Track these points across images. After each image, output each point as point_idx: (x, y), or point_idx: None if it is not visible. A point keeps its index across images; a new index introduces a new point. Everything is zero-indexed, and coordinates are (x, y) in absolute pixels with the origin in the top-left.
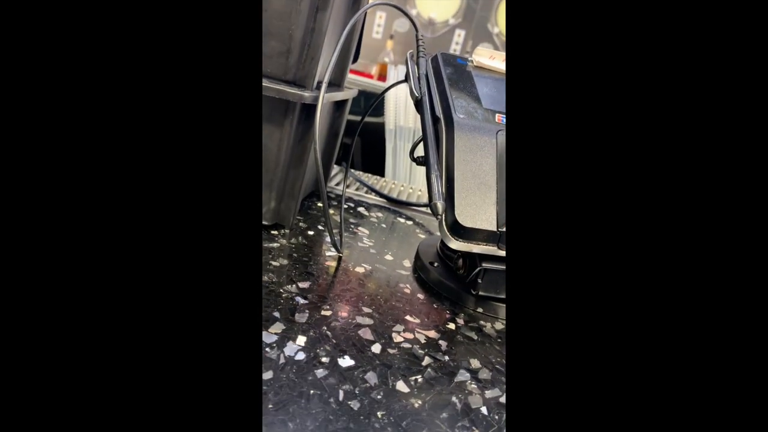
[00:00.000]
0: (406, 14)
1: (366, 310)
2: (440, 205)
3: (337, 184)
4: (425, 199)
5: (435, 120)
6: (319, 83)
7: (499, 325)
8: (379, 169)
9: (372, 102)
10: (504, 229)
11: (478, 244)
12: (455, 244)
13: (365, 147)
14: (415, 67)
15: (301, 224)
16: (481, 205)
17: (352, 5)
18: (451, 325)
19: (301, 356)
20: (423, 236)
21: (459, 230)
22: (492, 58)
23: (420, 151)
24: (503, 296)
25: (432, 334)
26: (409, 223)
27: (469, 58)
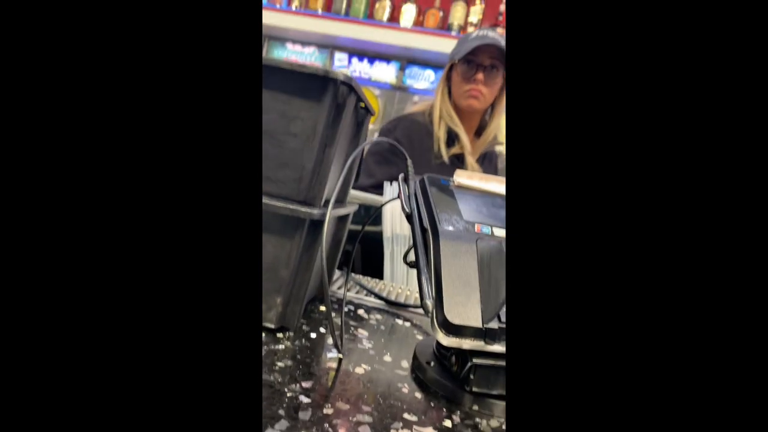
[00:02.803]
0: (398, 147)
1: (365, 408)
2: (430, 303)
3: (339, 288)
4: None
5: (423, 230)
6: (326, 201)
7: (495, 423)
8: (377, 273)
9: (372, 214)
10: (489, 326)
11: (467, 340)
12: (446, 340)
13: (365, 253)
14: (406, 187)
15: (304, 327)
16: (467, 304)
17: (353, 139)
18: (448, 423)
19: None
20: (420, 337)
21: (448, 327)
22: (470, 178)
23: (412, 257)
24: (496, 392)
25: (429, 431)
26: (407, 324)
27: (451, 179)
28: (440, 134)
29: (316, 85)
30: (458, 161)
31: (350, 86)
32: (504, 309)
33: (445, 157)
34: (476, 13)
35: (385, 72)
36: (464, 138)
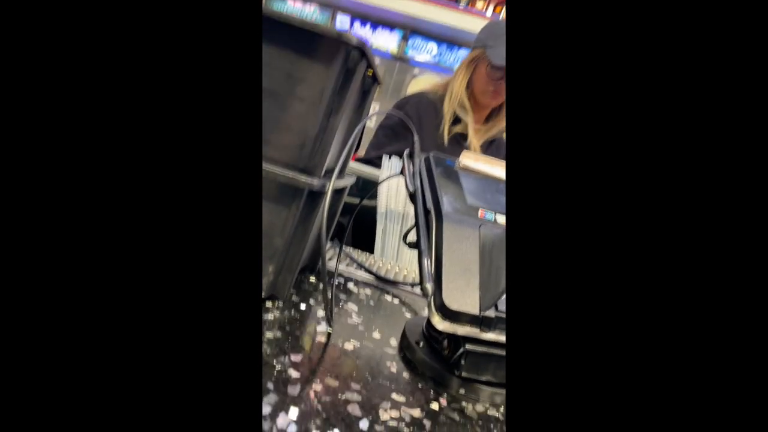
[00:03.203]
0: (405, 120)
1: (354, 386)
2: (429, 287)
3: (329, 260)
4: (411, 279)
5: (426, 211)
6: (326, 171)
7: (480, 407)
8: (367, 246)
9: (371, 189)
10: (486, 314)
11: (463, 326)
12: (442, 325)
13: (357, 226)
14: (411, 164)
15: (294, 298)
16: (465, 290)
17: (358, 107)
18: (435, 405)
19: (293, 429)
20: (409, 315)
21: (445, 312)
22: (476, 161)
23: (412, 237)
24: (485, 378)
25: (417, 413)
26: (396, 301)
27: (457, 160)
28: (448, 117)
29: (327, 47)
30: (462, 140)
31: (362, 52)
32: (503, 298)
33: (446, 136)
34: None
35: (387, 40)
36: (471, 125)
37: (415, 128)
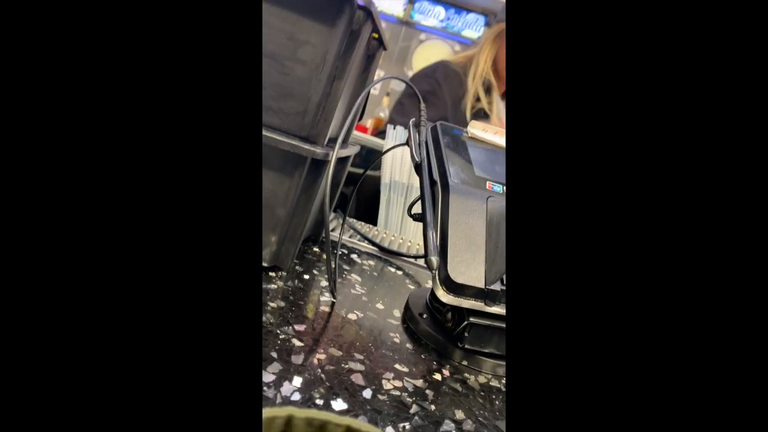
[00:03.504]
0: (411, 86)
1: (358, 356)
2: (435, 260)
3: (332, 230)
4: (415, 251)
5: (432, 183)
6: (330, 140)
7: (482, 378)
8: (371, 218)
9: (374, 160)
10: (491, 287)
11: (467, 299)
12: (446, 298)
13: (360, 197)
14: (417, 134)
15: (297, 268)
16: (471, 263)
17: (362, 72)
18: (437, 376)
19: (296, 397)
20: (412, 287)
21: (450, 285)
22: (485, 131)
23: (417, 209)
24: (487, 350)
25: (419, 383)
26: (399, 273)
27: (465, 130)
28: (472, 91)
29: (330, 5)
30: (485, 116)
31: (368, 11)
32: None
33: (468, 112)
34: None
35: (392, 3)
36: (496, 101)
37: (438, 96)
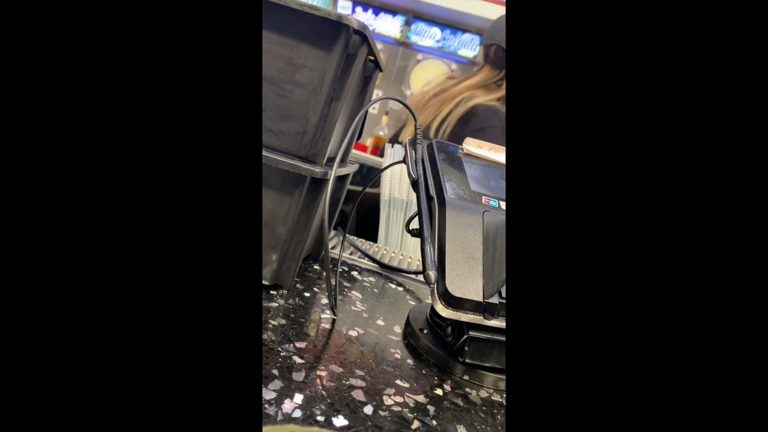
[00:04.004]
0: (407, 107)
1: (359, 372)
2: (432, 274)
3: (333, 248)
4: (415, 266)
5: (429, 198)
6: (328, 159)
7: (484, 393)
8: (372, 235)
9: (372, 177)
10: (489, 300)
11: (466, 313)
12: (445, 312)
13: (360, 214)
14: (413, 151)
15: (298, 286)
16: (469, 277)
17: (360, 93)
18: (439, 391)
19: (297, 414)
20: (413, 303)
21: (449, 299)
22: (480, 147)
23: (415, 224)
24: (488, 364)
25: (421, 398)
26: (400, 289)
27: (460, 147)
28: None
29: (327, 30)
30: None
31: (363, 35)
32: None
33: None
34: None
35: (389, 25)
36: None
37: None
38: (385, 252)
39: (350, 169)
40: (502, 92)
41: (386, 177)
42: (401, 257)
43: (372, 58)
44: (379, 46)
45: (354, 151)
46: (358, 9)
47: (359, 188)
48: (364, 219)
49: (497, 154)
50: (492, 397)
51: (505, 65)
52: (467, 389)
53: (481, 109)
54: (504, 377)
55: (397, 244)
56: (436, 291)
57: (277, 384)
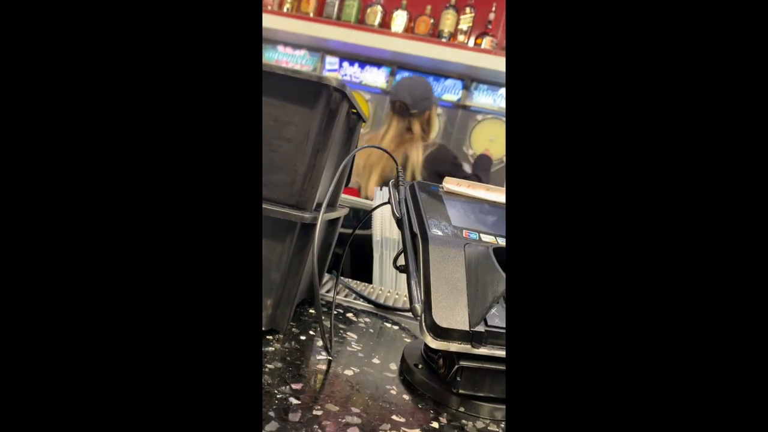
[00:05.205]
0: (389, 153)
1: (354, 410)
2: (419, 307)
3: (328, 291)
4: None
5: (413, 235)
6: (318, 205)
7: (480, 424)
8: (366, 276)
9: (362, 219)
10: (475, 329)
11: (454, 342)
12: (434, 343)
13: (354, 256)
14: (396, 192)
15: (293, 329)
16: (454, 308)
17: (345, 143)
18: (435, 424)
19: None
20: (408, 340)
21: (437, 330)
22: (459, 185)
23: (402, 261)
24: (482, 394)
25: None
26: (395, 328)
27: (440, 185)
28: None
29: (309, 90)
30: None
31: (343, 93)
32: (491, 313)
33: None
34: (466, 21)
35: (375, 77)
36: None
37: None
38: (380, 292)
39: (340, 212)
40: (414, 136)
41: (377, 218)
42: (396, 296)
43: (354, 110)
44: (367, 96)
45: (345, 196)
46: (345, 64)
47: (352, 231)
48: (359, 261)
49: (475, 190)
50: (489, 428)
51: (408, 115)
52: (463, 421)
53: (426, 161)
54: (499, 407)
55: (392, 284)
56: (423, 323)
57: (273, 425)
